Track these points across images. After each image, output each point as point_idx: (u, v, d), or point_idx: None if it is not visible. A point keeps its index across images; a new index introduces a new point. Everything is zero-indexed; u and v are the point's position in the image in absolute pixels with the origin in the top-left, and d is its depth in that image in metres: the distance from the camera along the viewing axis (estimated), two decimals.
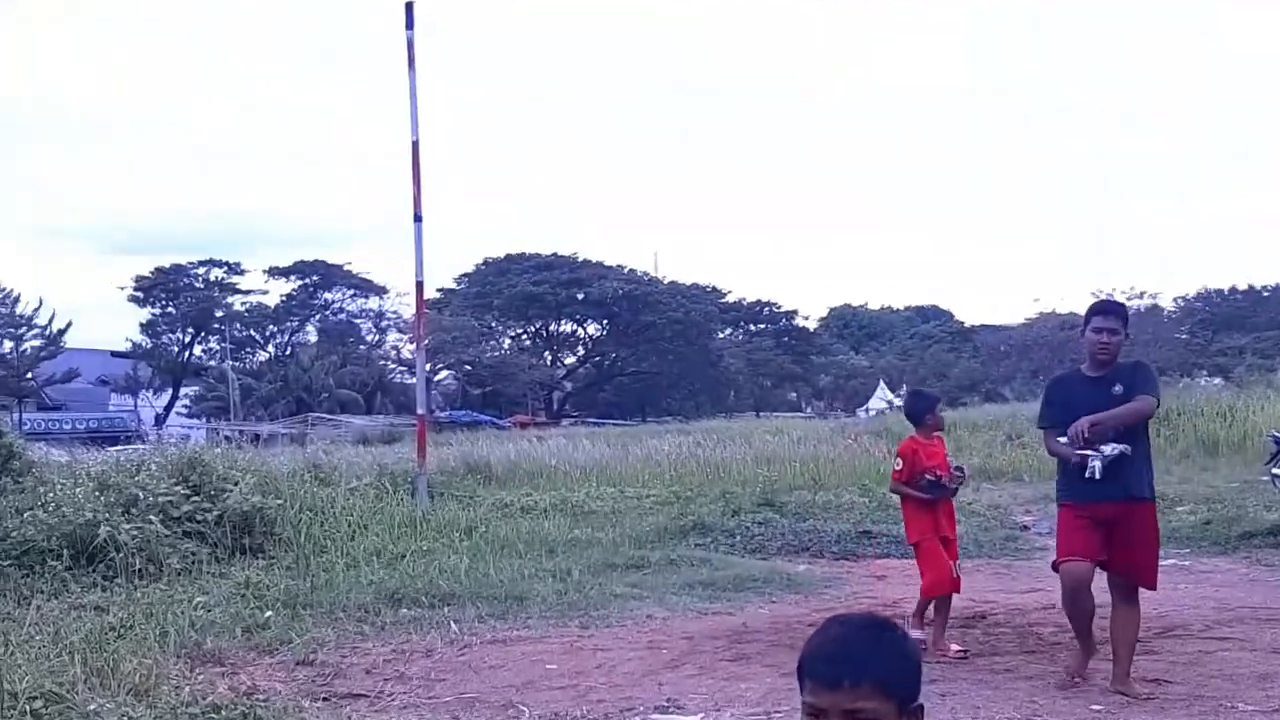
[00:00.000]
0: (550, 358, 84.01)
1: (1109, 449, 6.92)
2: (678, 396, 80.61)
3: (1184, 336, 69.70)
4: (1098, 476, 6.91)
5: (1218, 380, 46.45)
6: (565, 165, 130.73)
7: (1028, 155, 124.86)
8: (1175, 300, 75.90)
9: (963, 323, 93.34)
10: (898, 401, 66.89)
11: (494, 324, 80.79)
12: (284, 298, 78.38)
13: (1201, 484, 19.27)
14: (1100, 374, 7.14)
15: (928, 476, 8.72)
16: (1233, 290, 76.06)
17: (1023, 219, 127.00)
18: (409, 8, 17.45)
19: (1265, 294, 73.61)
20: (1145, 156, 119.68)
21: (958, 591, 8.93)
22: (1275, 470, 18.41)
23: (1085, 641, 7.33)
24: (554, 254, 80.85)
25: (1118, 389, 7.01)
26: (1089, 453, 6.93)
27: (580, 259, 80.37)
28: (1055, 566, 7.26)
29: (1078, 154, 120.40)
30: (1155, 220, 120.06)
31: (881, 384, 73.99)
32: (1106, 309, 7.39)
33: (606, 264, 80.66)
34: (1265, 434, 20.85)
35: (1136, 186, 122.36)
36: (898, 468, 8.95)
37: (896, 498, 9.59)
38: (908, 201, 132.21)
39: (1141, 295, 68.76)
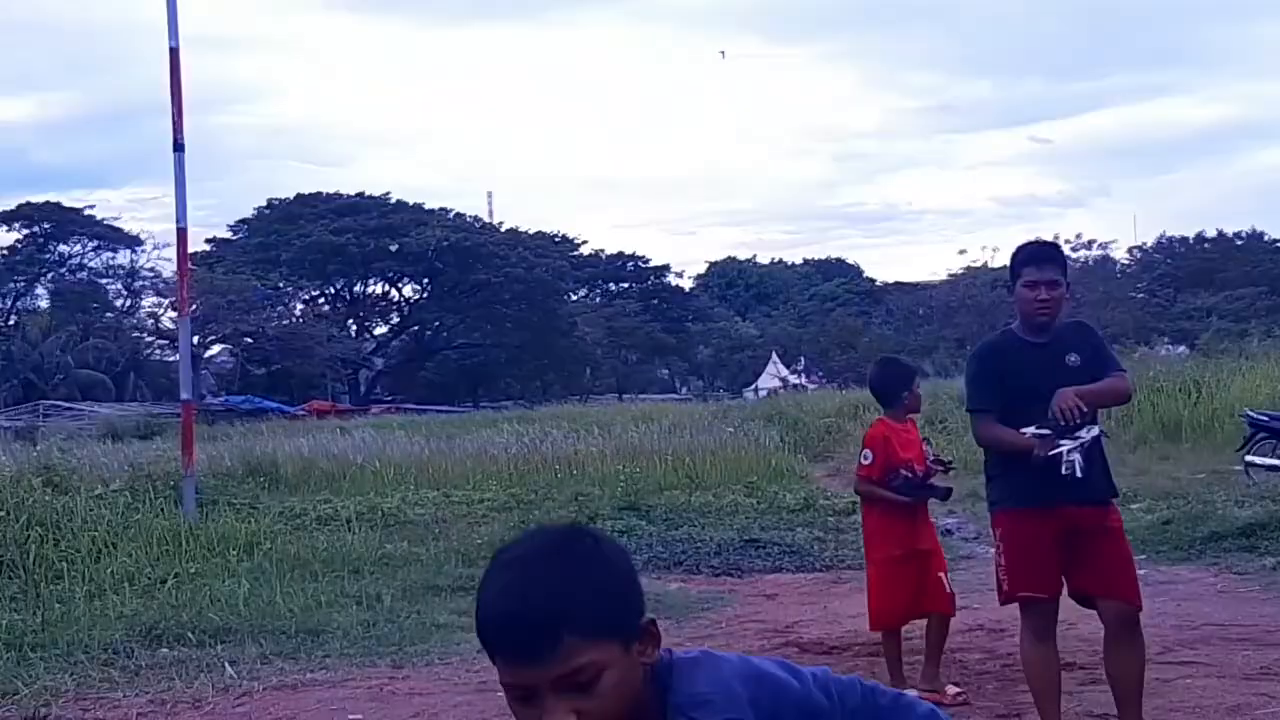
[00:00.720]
0: (356, 327, 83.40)
1: (1086, 433, 6.44)
2: (519, 375, 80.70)
3: (1141, 296, 71.02)
4: (1079, 473, 6.40)
5: (1181, 348, 47.84)
6: (373, 82, 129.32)
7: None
8: (1130, 251, 77.72)
9: (873, 280, 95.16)
10: (794, 379, 67.89)
11: (282, 284, 79.77)
12: (5, 251, 76.38)
13: (1161, 475, 19.76)
14: (1043, 339, 6.75)
15: (904, 472, 8.24)
16: (1199, 238, 77.21)
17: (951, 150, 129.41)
18: None
19: (1239, 242, 74.91)
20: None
21: (951, 614, 8.52)
22: (1250, 457, 18.91)
23: (1055, 714, 6.80)
24: (360, 195, 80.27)
25: (1072, 359, 6.69)
26: (1065, 443, 6.41)
27: (393, 200, 79.88)
28: (1010, 600, 6.86)
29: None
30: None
31: (774, 357, 74.70)
32: (1040, 255, 6.96)
33: (427, 208, 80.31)
34: (1238, 413, 21.35)
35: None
36: (866, 461, 8.39)
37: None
38: (799, 131, 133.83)
39: (1090, 245, 70.57)
